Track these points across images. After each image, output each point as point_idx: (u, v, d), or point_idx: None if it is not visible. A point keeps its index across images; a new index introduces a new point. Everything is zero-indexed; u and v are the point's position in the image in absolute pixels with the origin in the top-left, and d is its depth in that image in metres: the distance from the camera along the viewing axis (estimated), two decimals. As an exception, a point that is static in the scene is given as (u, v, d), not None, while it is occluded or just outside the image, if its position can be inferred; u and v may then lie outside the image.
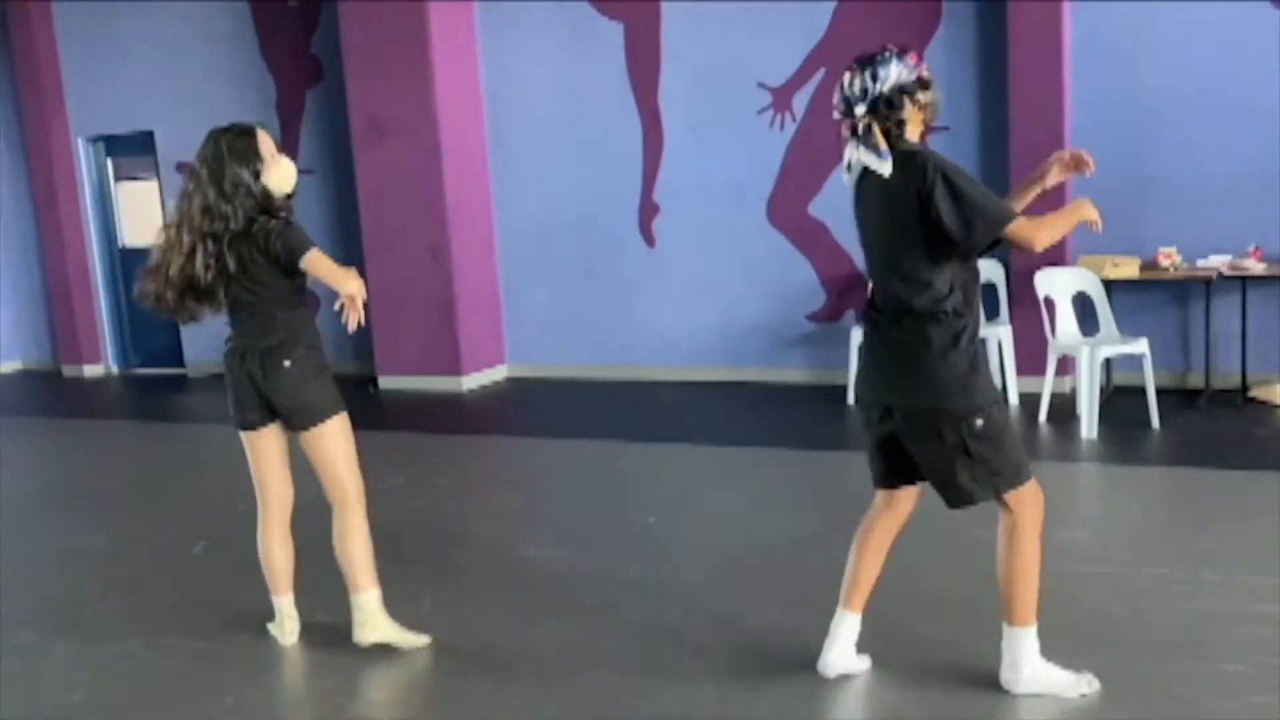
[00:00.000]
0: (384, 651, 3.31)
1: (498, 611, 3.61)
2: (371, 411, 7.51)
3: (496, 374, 8.38)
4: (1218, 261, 6.05)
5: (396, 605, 3.39)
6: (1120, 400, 6.15)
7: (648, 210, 7.83)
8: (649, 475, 5.45)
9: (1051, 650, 2.96)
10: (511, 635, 3.42)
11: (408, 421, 7.14)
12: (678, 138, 7.65)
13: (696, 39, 7.48)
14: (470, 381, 8.08)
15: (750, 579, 3.82)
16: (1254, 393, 6.07)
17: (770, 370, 7.55)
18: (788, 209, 7.39)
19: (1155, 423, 5.60)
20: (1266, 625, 2.93)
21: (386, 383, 8.25)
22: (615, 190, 7.88)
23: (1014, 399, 6.40)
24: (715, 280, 7.67)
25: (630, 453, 5.87)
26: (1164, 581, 3.50)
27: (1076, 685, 2.79)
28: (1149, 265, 6.21)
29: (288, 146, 8.88)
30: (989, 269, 6.72)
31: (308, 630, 3.50)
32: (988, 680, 2.91)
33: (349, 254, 8.71)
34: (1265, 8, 6.04)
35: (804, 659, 3.13)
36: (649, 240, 7.86)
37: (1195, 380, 6.40)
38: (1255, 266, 5.93)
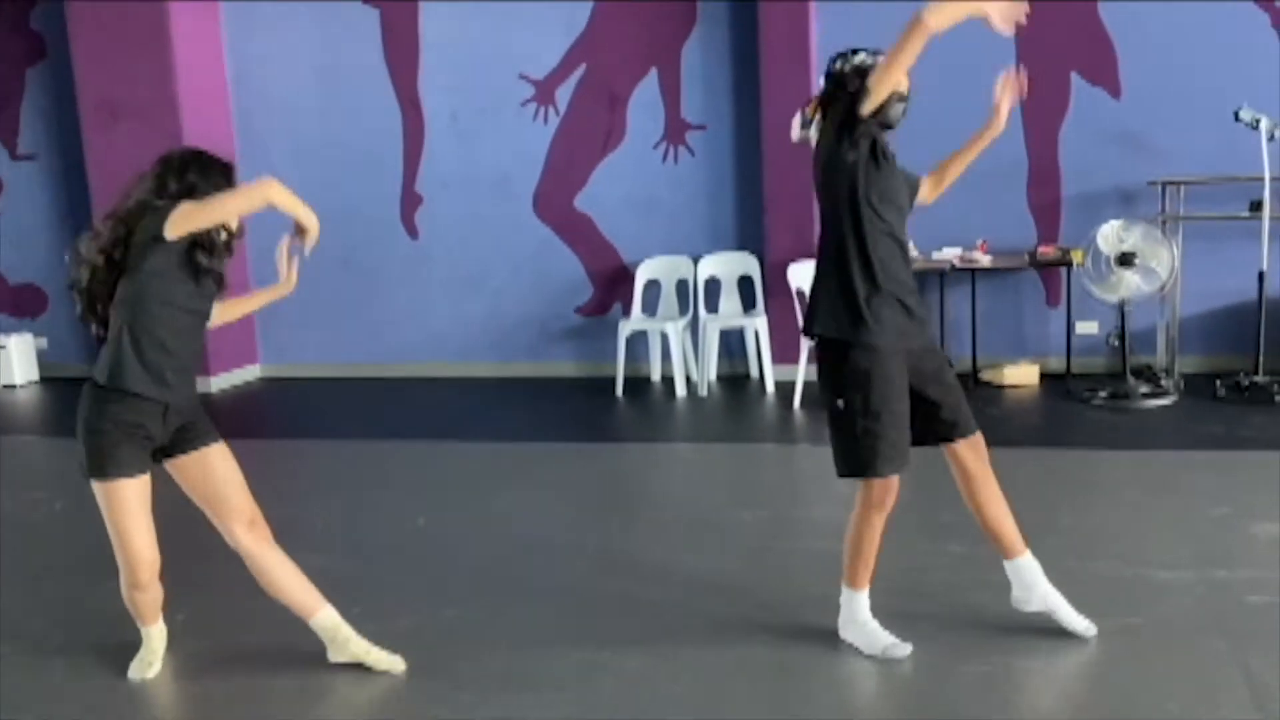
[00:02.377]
0: (112, 679, 3.08)
1: (256, 622, 3.41)
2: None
3: (248, 374, 7.96)
4: (950, 254, 6.53)
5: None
6: (867, 385, 6.52)
7: (410, 201, 7.65)
8: (416, 475, 5.32)
9: (815, 622, 3.10)
10: (275, 643, 3.25)
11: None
12: (439, 128, 7.51)
13: (456, 28, 7.36)
14: (219, 382, 7.64)
15: (524, 576, 3.80)
16: (984, 375, 6.59)
17: (539, 365, 7.54)
18: (553, 202, 7.41)
19: (898, 406, 5.98)
20: (995, 592, 3.18)
21: (126, 385, 7.66)
22: (375, 180, 7.64)
23: (770, 387, 6.68)
24: (482, 273, 7.59)
25: (396, 452, 5.71)
26: (912, 554, 3.72)
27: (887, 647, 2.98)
28: (890, 258, 6.61)
29: (5, 130, 8.16)
30: (746, 264, 6.99)
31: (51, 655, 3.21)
32: (771, 657, 3.02)
33: (80, 247, 8.05)
34: (986, 21, 6.55)
35: (584, 654, 3.14)
36: (412, 232, 7.68)
37: (932, 365, 6.88)
38: (982, 259, 6.43)
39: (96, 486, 2.90)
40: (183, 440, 3.00)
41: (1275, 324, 6.09)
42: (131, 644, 3.17)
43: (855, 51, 2.99)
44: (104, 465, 2.86)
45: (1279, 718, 2.59)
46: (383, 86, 7.53)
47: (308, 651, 3.07)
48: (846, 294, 2.80)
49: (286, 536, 3.36)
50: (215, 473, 3.04)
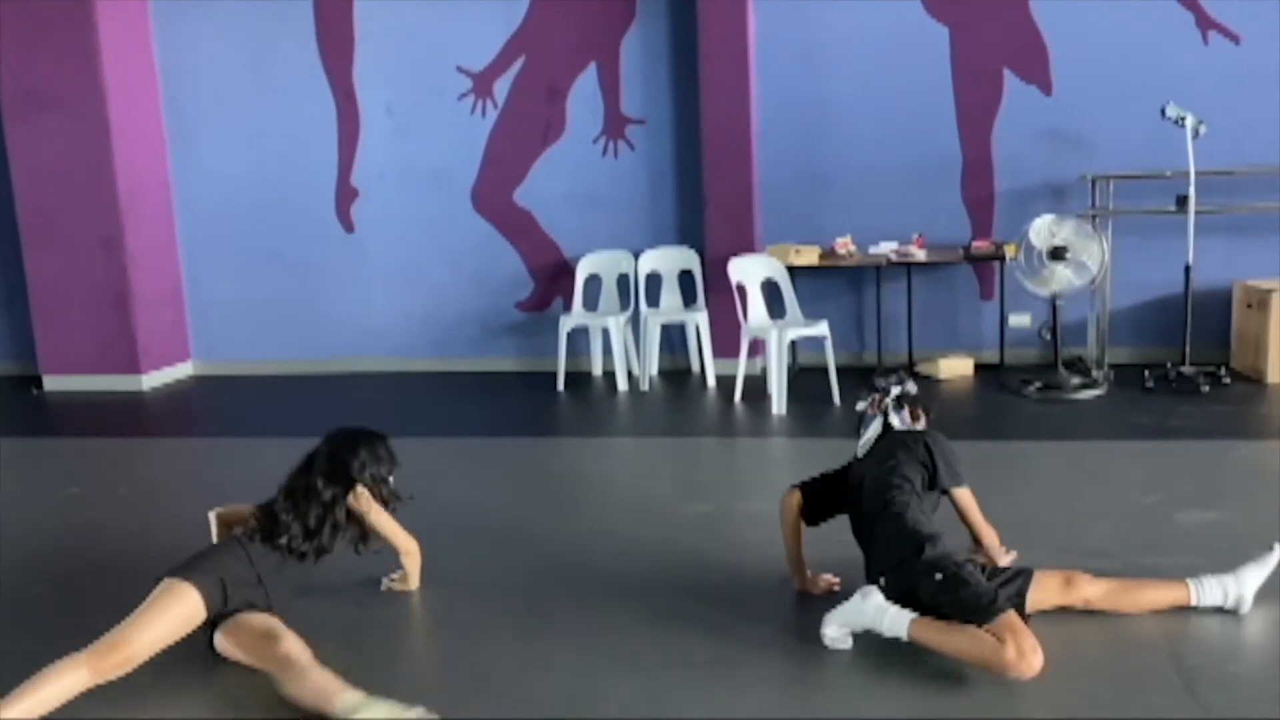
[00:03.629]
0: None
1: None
2: (36, 415, 6.80)
3: (180, 371, 7.80)
4: (887, 249, 6.60)
5: (81, 622, 3.07)
6: (805, 379, 6.58)
7: (345, 195, 7.54)
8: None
9: (756, 616, 3.11)
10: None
11: (80, 425, 6.51)
12: (375, 120, 7.42)
13: (391, 19, 7.27)
14: (151, 380, 7.48)
15: (463, 571, 3.77)
16: (919, 368, 6.68)
17: (480, 360, 7.49)
18: (493, 197, 7.35)
19: (836, 398, 6.04)
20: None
21: (53, 383, 7.48)
22: (309, 174, 7.53)
23: (711, 381, 6.70)
24: (420, 268, 7.51)
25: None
26: (846, 545, 3.75)
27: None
28: (828, 253, 6.68)
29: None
30: (687, 258, 7.00)
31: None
32: (712, 650, 3.03)
33: (1, 246, 7.83)
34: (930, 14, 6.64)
35: (523, 649, 3.12)
36: (347, 226, 7.57)
37: (869, 358, 6.96)
38: (918, 254, 6.51)
39: (163, 585, 2.95)
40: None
41: (1201, 316, 6.26)
42: (45, 654, 3.07)
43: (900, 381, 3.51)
44: (192, 571, 2.99)
45: (1209, 702, 2.66)
46: (316, 78, 7.42)
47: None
48: (911, 529, 3.08)
49: (221, 537, 3.31)
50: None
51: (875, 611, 2.95)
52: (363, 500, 3.34)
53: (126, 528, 4.47)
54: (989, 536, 3.33)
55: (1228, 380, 6.01)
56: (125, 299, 7.34)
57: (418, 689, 2.92)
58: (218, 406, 7.05)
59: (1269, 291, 5.99)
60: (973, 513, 3.32)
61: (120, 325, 7.37)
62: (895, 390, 3.43)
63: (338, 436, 3.44)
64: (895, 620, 2.92)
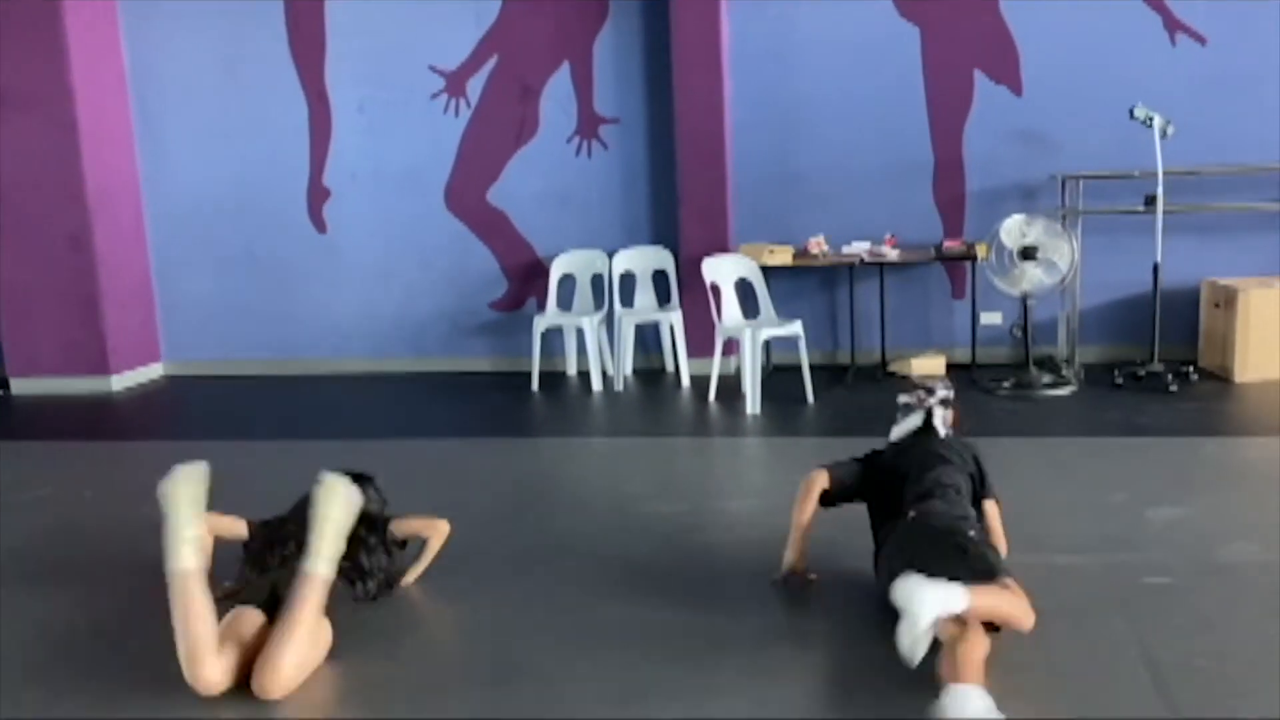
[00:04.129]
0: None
1: (167, 629, 3.32)
2: (3, 418, 6.72)
3: (150, 372, 7.73)
4: (859, 249, 6.63)
5: (50, 625, 3.04)
6: (779, 378, 6.60)
7: (317, 194, 7.50)
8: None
9: (733, 616, 3.12)
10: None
11: (48, 428, 6.43)
12: (347, 120, 7.38)
13: (363, 18, 7.23)
14: (121, 381, 7.41)
15: (439, 574, 3.75)
16: (892, 367, 6.72)
17: (453, 360, 7.47)
18: (466, 196, 7.33)
19: (810, 397, 6.07)
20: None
21: (20, 386, 7.40)
22: (281, 173, 7.48)
23: (685, 380, 6.71)
24: (393, 268, 7.48)
25: (307, 451, 5.59)
26: (822, 544, 3.77)
27: None
28: (801, 253, 6.70)
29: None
30: (661, 258, 7.01)
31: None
32: (690, 653, 3.03)
33: (-32, 242, 7.72)
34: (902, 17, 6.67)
35: (500, 653, 3.11)
36: (320, 226, 7.53)
37: (843, 357, 7.00)
38: (890, 253, 6.55)
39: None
40: None
41: (1169, 315, 6.33)
42: (14, 658, 3.04)
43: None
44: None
45: (1176, 695, 2.69)
46: (288, 77, 7.37)
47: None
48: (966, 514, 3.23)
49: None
50: None
51: (932, 589, 2.67)
52: (399, 526, 3.60)
53: (96, 531, 4.42)
54: (1003, 548, 3.35)
55: (1195, 378, 6.08)
56: (94, 299, 7.27)
57: (397, 688, 2.91)
58: (188, 408, 6.98)
59: (1236, 290, 6.07)
60: (996, 525, 3.41)
61: (89, 326, 7.29)
62: (941, 392, 3.66)
63: None
64: (950, 591, 2.69)
